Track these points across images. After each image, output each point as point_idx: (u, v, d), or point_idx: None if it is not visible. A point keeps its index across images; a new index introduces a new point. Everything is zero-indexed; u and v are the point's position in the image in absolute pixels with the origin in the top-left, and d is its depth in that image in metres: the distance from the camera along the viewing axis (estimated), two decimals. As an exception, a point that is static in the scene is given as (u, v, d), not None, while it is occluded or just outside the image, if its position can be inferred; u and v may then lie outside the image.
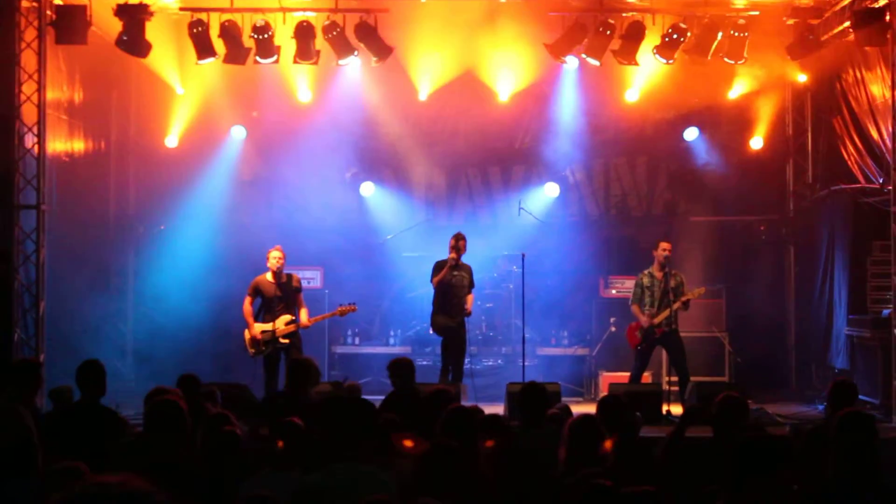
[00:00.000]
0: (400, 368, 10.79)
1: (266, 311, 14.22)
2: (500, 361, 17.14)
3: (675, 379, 14.72)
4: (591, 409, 12.90)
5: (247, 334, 14.21)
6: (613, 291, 17.29)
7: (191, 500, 6.12)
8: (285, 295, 14.23)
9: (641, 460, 7.18)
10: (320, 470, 6.19)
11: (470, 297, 14.84)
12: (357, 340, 17.65)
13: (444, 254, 14.95)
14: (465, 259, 14.98)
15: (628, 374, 15.11)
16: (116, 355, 16.45)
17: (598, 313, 17.37)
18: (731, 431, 7.30)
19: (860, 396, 13.93)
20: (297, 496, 6.13)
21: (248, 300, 14.26)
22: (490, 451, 7.16)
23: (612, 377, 15.92)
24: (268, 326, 14.08)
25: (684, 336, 14.92)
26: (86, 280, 16.28)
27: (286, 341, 14.12)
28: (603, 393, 15.68)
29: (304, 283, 14.84)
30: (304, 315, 14.33)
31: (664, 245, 14.79)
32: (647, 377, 15.33)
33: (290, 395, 10.04)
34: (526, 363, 15.31)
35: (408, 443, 10.09)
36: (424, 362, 16.26)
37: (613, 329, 16.78)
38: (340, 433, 6.26)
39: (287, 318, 14.15)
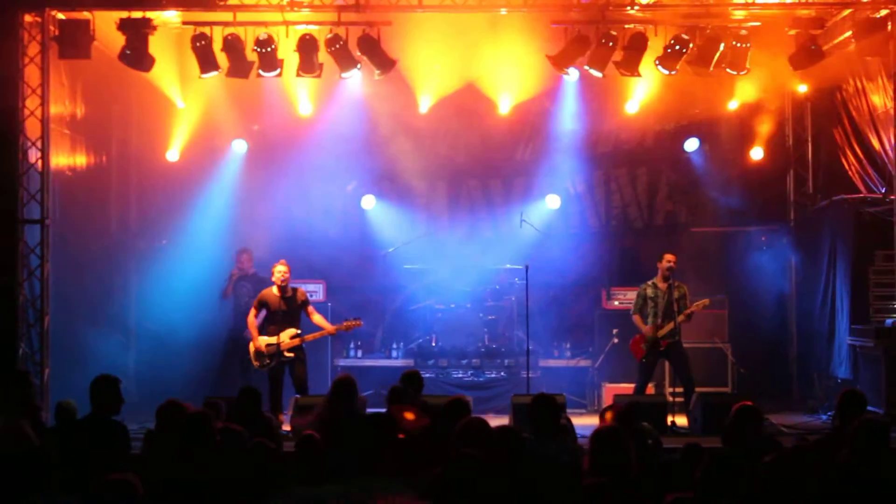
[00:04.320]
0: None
1: (270, 323, 14.24)
2: (502, 374, 17.07)
3: (678, 390, 14.74)
4: (594, 420, 12.97)
5: (252, 347, 14.22)
6: (616, 303, 17.27)
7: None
8: (290, 309, 14.25)
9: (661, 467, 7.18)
10: (340, 483, 6.18)
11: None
12: (359, 353, 17.67)
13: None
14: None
15: (631, 385, 15.14)
16: (119, 371, 16.36)
17: (600, 325, 17.36)
18: (745, 442, 7.32)
19: (865, 406, 13.98)
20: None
21: (252, 312, 14.34)
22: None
23: (615, 388, 15.92)
24: (273, 340, 14.10)
25: (687, 346, 14.94)
26: (88, 295, 16.24)
27: (291, 355, 14.14)
28: (606, 404, 15.67)
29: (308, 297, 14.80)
30: (320, 320, 14.41)
31: (668, 257, 14.80)
32: (650, 388, 15.32)
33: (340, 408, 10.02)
34: (529, 375, 15.29)
35: (408, 415, 10.16)
36: (428, 374, 16.25)
37: (616, 341, 16.78)
38: (362, 446, 6.25)
39: (292, 331, 14.16)
